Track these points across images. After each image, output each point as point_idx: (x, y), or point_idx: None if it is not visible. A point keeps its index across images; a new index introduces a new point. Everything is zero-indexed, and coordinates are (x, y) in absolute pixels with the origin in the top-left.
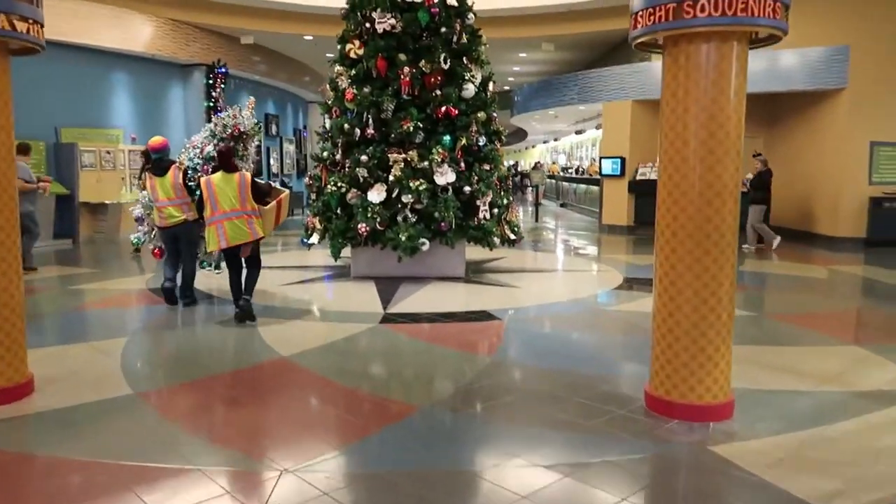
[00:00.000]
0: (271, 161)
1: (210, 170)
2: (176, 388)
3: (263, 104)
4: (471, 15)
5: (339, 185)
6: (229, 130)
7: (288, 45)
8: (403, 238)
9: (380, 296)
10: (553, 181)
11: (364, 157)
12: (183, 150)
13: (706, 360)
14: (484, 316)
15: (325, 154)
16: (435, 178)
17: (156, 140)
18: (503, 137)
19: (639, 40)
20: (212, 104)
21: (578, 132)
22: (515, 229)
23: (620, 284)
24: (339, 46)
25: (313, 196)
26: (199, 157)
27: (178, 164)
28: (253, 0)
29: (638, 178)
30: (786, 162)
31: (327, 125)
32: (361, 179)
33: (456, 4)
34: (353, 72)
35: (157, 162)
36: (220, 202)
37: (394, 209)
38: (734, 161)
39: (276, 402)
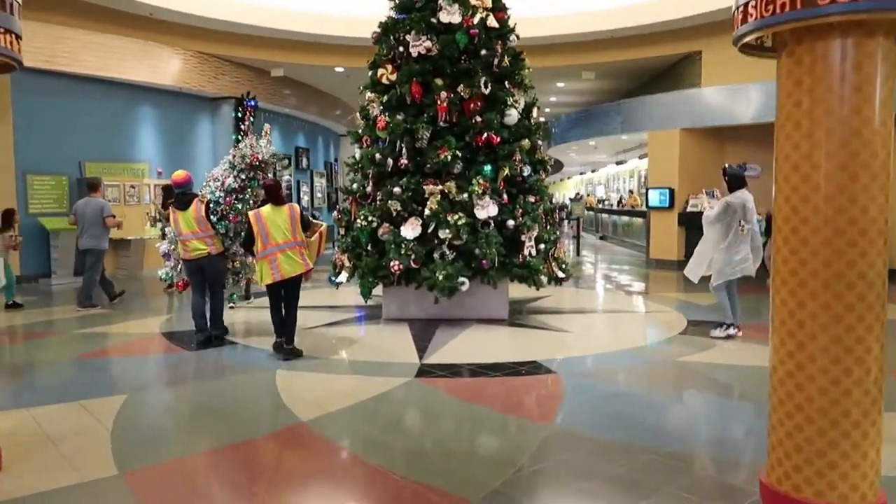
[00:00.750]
0: (301, 194)
1: (258, 202)
2: (169, 465)
3: (294, 137)
4: (513, 37)
5: (369, 219)
6: (247, 160)
7: (318, 77)
8: (440, 277)
9: (415, 342)
10: (591, 213)
11: (397, 189)
12: (204, 183)
13: (851, 449)
14: (534, 367)
15: (355, 186)
16: (475, 211)
17: (178, 174)
18: (548, 167)
19: (748, 38)
20: (240, 137)
21: (619, 163)
22: (563, 266)
23: (686, 328)
24: (370, 72)
25: (342, 231)
26: (220, 190)
27: (200, 198)
28: (282, 32)
29: (689, 209)
30: None
31: (357, 155)
32: (394, 213)
33: (497, 26)
34: (386, 98)
35: (180, 196)
36: (271, 234)
37: (430, 245)
38: (883, 188)
39: (286, 491)
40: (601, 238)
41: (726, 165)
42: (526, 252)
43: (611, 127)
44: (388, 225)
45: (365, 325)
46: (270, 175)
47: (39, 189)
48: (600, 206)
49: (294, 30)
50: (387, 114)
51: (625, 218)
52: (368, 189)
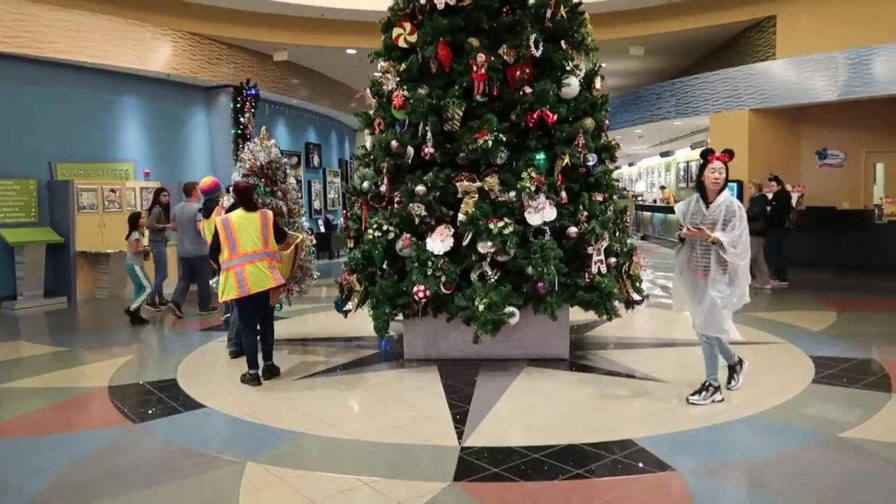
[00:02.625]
0: (313, 195)
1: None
2: None
3: (303, 132)
4: None
5: (384, 228)
6: (259, 164)
7: (329, 62)
8: (481, 307)
9: (448, 402)
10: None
11: (421, 188)
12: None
13: None
14: (634, 454)
15: (366, 185)
16: (526, 215)
17: (206, 181)
18: (616, 155)
19: None
20: (240, 131)
21: (665, 154)
22: (638, 286)
23: (817, 373)
24: (383, 35)
25: (350, 244)
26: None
27: (220, 206)
28: (284, 6)
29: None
30: None
31: (368, 144)
32: (417, 220)
33: None
34: (404, 67)
35: (207, 203)
36: (240, 243)
37: (466, 263)
38: None
39: None
40: (642, 238)
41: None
42: (594, 269)
43: (664, 111)
44: (408, 236)
45: (379, 370)
46: (289, 183)
47: (1, 195)
48: (637, 201)
49: (297, 2)
50: (405, 87)
51: (672, 216)
52: (383, 188)
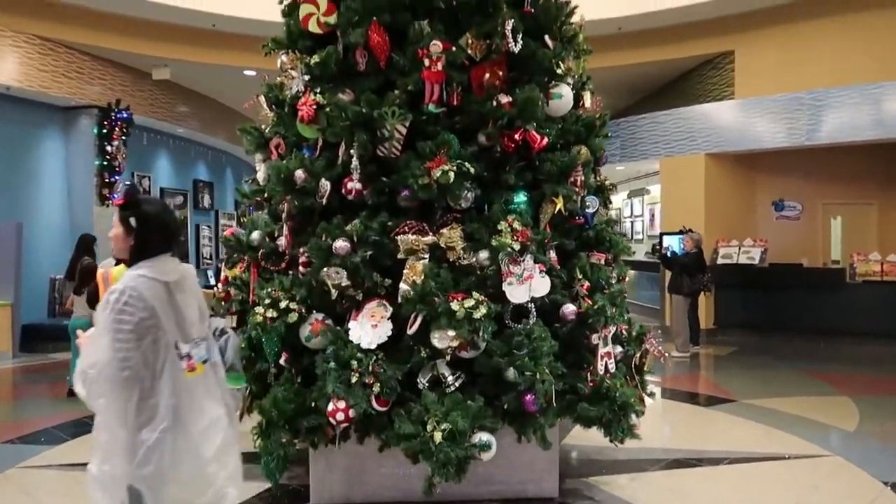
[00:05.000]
0: (202, 242)
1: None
2: None
3: (192, 167)
4: None
5: (283, 304)
6: None
7: (222, 84)
8: (437, 435)
9: None
10: None
11: (341, 243)
12: None
13: None
14: None
15: (256, 236)
16: (506, 288)
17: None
18: (611, 197)
19: None
20: (105, 162)
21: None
22: (644, 383)
23: None
24: (284, 15)
25: (229, 325)
26: None
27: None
28: (166, 10)
29: (720, 261)
30: None
31: (261, 176)
32: (335, 293)
33: None
34: (316, 60)
35: None
36: None
37: (412, 361)
38: None
39: None
40: None
41: None
42: (600, 367)
43: (607, 153)
44: (320, 318)
45: None
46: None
47: None
48: None
49: (183, 6)
50: (318, 91)
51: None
52: (281, 241)
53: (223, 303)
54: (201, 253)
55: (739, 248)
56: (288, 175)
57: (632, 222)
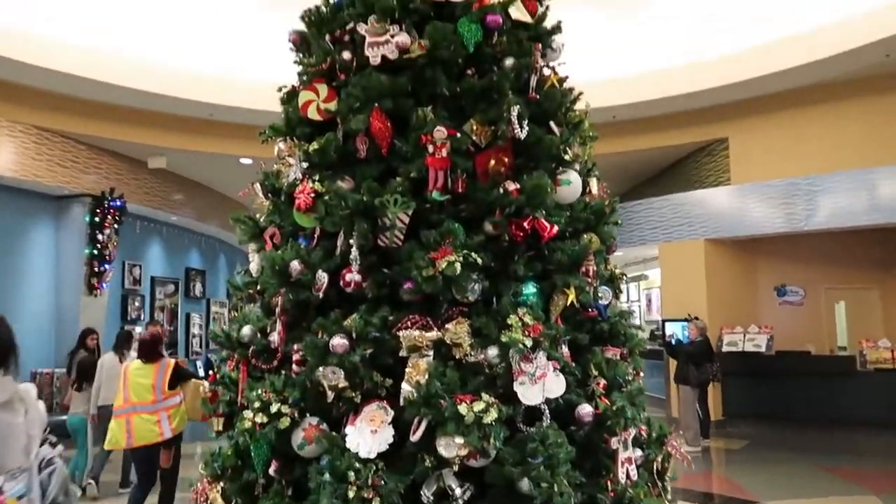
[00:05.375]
0: (192, 332)
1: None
2: None
3: (184, 255)
4: (556, 40)
5: (274, 407)
6: None
7: (218, 172)
8: None
9: None
10: None
11: (339, 341)
12: None
13: None
14: None
15: (247, 331)
16: (518, 388)
17: None
18: (621, 286)
19: None
20: (96, 251)
21: None
22: (667, 491)
23: None
24: (283, 103)
25: (216, 425)
26: None
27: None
28: (164, 101)
29: (725, 348)
30: None
31: (254, 267)
32: (331, 394)
33: (528, 20)
34: (315, 148)
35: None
36: (130, 393)
37: (416, 471)
38: None
39: None
40: None
41: None
42: (621, 474)
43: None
44: (315, 422)
45: None
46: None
47: None
48: None
49: (180, 96)
50: (317, 178)
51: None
52: (274, 338)
53: (209, 404)
54: (191, 343)
55: (745, 335)
56: (283, 266)
57: (629, 308)
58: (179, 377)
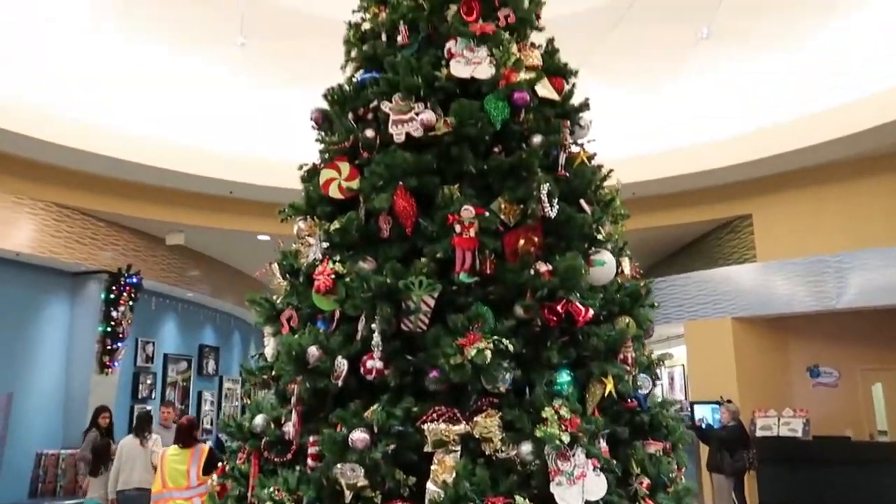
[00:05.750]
0: (203, 410)
1: None
2: None
3: (198, 332)
4: (584, 117)
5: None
6: None
7: (235, 249)
8: None
9: None
10: None
11: (360, 435)
12: None
13: None
14: None
15: (260, 421)
16: (555, 489)
17: None
18: (657, 372)
19: None
20: (109, 328)
21: None
22: None
23: None
24: (304, 181)
25: None
26: None
27: None
28: (183, 178)
29: (758, 433)
30: None
31: (269, 352)
32: (349, 494)
33: (555, 98)
34: (336, 227)
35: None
36: (167, 478)
37: None
38: None
39: None
40: None
41: None
42: None
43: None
44: None
45: None
46: None
47: None
48: None
49: (199, 174)
50: (338, 259)
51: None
52: (289, 429)
53: (217, 499)
54: (202, 422)
55: (779, 419)
56: (300, 352)
57: (666, 396)
58: (213, 462)
